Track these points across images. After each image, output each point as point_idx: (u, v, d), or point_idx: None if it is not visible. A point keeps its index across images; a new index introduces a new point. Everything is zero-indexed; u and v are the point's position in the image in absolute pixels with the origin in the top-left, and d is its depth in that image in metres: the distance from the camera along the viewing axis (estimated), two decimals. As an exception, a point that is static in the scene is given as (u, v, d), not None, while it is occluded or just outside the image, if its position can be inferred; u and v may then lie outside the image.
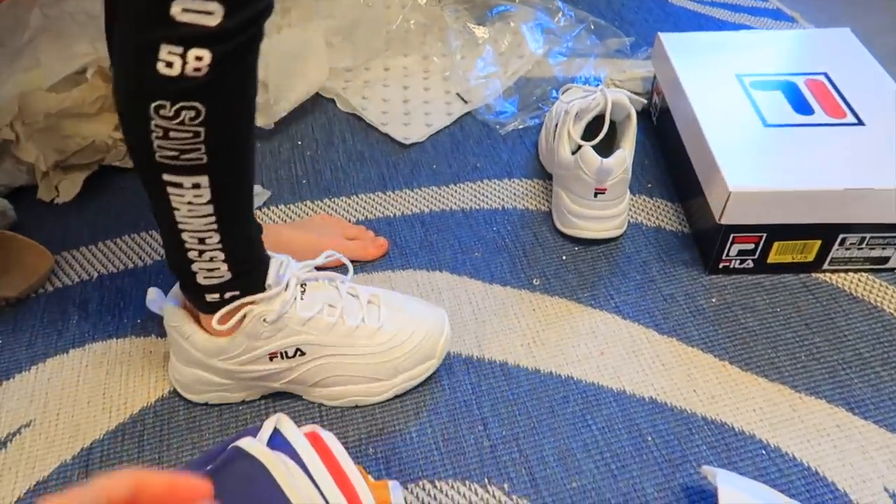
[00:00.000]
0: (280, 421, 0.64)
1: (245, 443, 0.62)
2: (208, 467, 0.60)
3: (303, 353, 0.70)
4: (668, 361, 0.79)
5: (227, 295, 0.65)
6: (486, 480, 0.68)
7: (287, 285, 0.68)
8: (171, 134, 0.53)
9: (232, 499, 0.59)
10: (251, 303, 0.66)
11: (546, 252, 0.91)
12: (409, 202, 0.98)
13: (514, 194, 0.99)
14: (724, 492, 0.58)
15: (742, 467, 0.69)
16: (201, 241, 0.61)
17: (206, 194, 0.58)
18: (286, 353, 0.69)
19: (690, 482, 0.68)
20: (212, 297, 0.65)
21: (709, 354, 0.79)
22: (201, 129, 0.53)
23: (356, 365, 0.71)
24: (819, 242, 0.85)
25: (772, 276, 0.88)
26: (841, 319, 0.82)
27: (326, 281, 0.72)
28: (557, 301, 0.85)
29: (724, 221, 0.82)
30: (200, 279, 0.64)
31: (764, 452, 0.70)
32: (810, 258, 0.86)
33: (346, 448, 0.71)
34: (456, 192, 1.00)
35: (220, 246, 0.62)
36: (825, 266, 0.87)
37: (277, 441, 0.63)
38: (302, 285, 0.69)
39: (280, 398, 0.75)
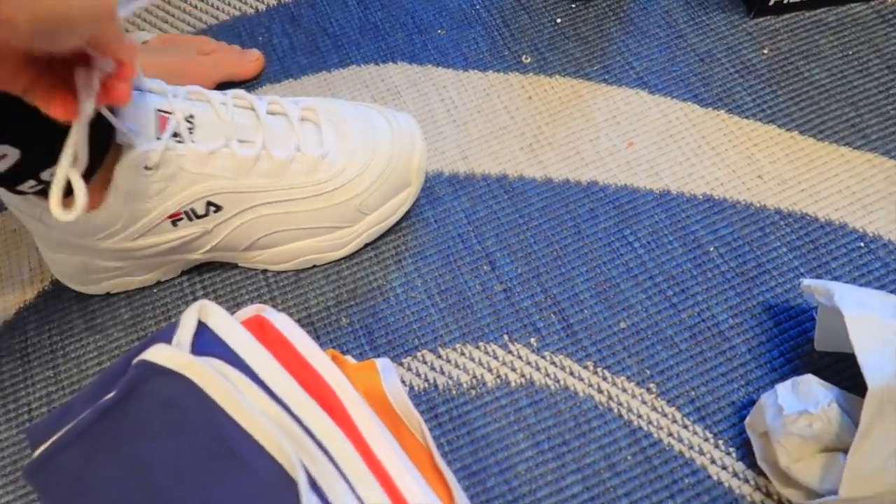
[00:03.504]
0: (204, 310, 0.44)
1: (156, 353, 0.41)
2: (108, 397, 0.41)
3: (218, 208, 0.48)
4: (719, 142, 0.59)
5: (48, 174, 0.41)
6: (505, 338, 0.51)
7: (158, 115, 0.44)
8: None
9: (151, 438, 0.40)
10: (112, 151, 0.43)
11: (533, 17, 0.67)
12: (336, -28, 0.71)
13: (479, -58, 0.72)
14: (853, 319, 0.41)
15: (836, 268, 0.52)
16: None
17: None
18: (193, 211, 0.47)
19: (773, 298, 0.51)
20: (28, 186, 0.42)
21: (770, 125, 0.59)
22: None
23: (299, 214, 0.50)
24: (904, -49, 0.62)
25: (835, 8, 0.66)
26: (933, 54, 0.62)
27: (226, 103, 0.48)
28: (559, 81, 0.63)
29: (784, -66, 0.58)
30: None
31: (862, 245, 0.53)
32: (888, -24, 0.64)
33: (310, 328, 0.52)
34: (398, -51, 0.72)
35: None
36: (904, -15, 0.65)
37: (205, 340, 0.43)
38: (188, 119, 0.45)
39: (210, 269, 0.54)
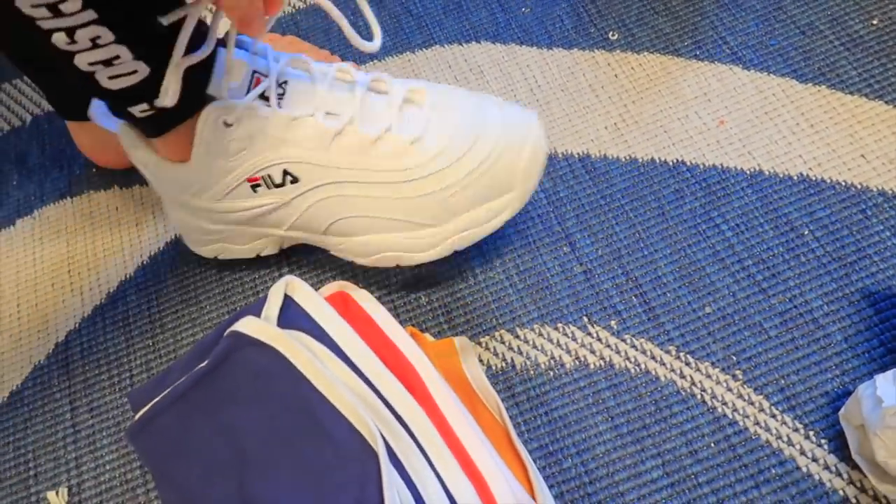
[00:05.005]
0: (290, 286, 0.46)
1: (246, 325, 0.43)
2: (202, 365, 0.43)
3: (296, 180, 0.47)
4: (819, 120, 0.55)
5: (153, 104, 0.43)
6: (584, 320, 0.50)
7: (253, 78, 0.45)
8: None
9: (241, 405, 0.42)
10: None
11: (621, -9, 0.65)
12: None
13: (565, -84, 0.70)
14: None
15: (946, 255, 0.49)
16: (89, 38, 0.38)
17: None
18: (271, 178, 0.47)
19: (874, 284, 0.48)
20: (139, 109, 0.43)
21: (876, 101, 0.56)
22: None
23: (380, 200, 0.47)
24: None
25: (955, -27, 0.61)
26: None
27: (326, 74, 0.47)
28: (647, 58, 0.61)
29: None
30: (105, 83, 0.41)
31: (977, 230, 0.50)
32: None
33: (390, 305, 0.53)
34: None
35: (113, 36, 0.38)
36: None
37: (291, 314, 0.45)
38: (280, 84, 0.46)
39: (296, 251, 0.56)
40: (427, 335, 0.49)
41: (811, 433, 0.44)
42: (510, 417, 0.48)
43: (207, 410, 0.42)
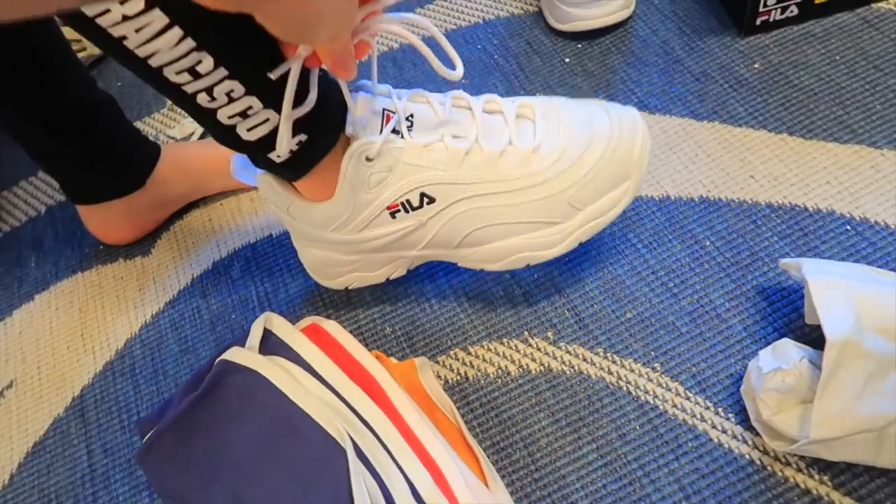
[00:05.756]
0: (269, 321, 0.54)
1: (233, 354, 0.52)
2: (196, 392, 0.51)
3: (432, 200, 0.51)
4: (714, 150, 0.65)
5: (295, 143, 0.47)
6: (526, 334, 0.58)
7: (384, 115, 0.50)
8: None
9: (231, 421, 0.50)
10: (342, 144, 0.49)
11: (545, 59, 0.76)
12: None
13: (493, 0, 0.82)
14: (815, 284, 0.46)
15: (825, 251, 0.57)
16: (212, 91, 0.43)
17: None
18: (409, 202, 0.51)
19: (766, 281, 0.57)
20: (276, 155, 0.47)
21: (762, 130, 0.65)
22: None
23: (510, 207, 0.51)
24: (877, -39, 0.68)
25: (822, 20, 0.71)
26: (917, 50, 0.67)
27: (444, 103, 0.51)
28: (569, 112, 0.71)
29: (755, -39, 0.65)
30: (245, 135, 0.46)
31: (849, 228, 0.58)
32: (868, -15, 0.70)
33: (360, 337, 0.61)
34: (426, 14, 0.83)
35: (244, 89, 0.44)
36: (887, -9, 0.70)
37: (271, 344, 0.53)
38: (408, 118, 0.50)
39: (273, 292, 0.65)
40: (392, 359, 0.57)
41: (720, 409, 0.52)
42: (465, 422, 0.55)
43: (203, 429, 0.50)
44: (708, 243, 0.60)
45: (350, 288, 0.59)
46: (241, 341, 0.53)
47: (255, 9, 0.32)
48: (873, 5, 0.71)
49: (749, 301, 0.56)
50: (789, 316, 0.55)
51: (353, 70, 0.41)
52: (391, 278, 0.58)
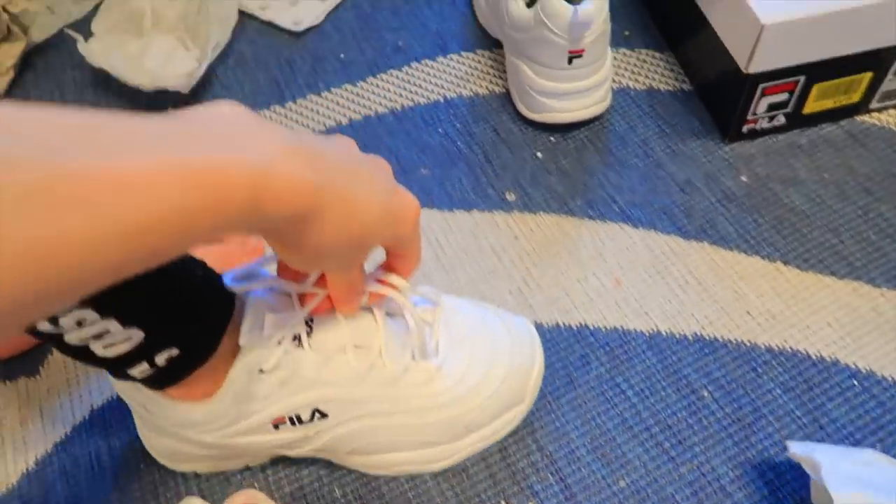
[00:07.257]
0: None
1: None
2: None
3: (324, 416, 0.46)
4: (705, 277, 0.59)
5: (163, 358, 0.40)
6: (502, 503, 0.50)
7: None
8: None
9: None
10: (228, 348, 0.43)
11: (515, 151, 0.68)
12: (316, 113, 0.72)
13: (456, 76, 0.74)
14: (839, 498, 0.40)
15: (832, 409, 0.52)
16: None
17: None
18: (298, 417, 0.45)
19: (772, 445, 0.51)
20: (139, 370, 0.40)
21: (755, 257, 0.60)
22: None
23: (405, 427, 0.47)
24: (869, 76, 0.64)
25: (807, 129, 0.67)
26: (907, 174, 0.63)
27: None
28: (543, 219, 0.63)
29: (753, 69, 0.60)
30: (101, 352, 0.38)
31: (855, 382, 0.53)
32: (856, 98, 0.66)
33: (302, 500, 0.50)
34: (378, 86, 0.74)
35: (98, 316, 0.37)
36: (872, 105, 0.67)
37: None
38: (307, 322, 0.44)
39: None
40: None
41: None
42: None
43: None
44: (706, 394, 0.53)
45: (198, 473, 0.52)
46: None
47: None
48: (857, 118, 0.68)
49: (755, 470, 0.50)
50: (800, 492, 0.49)
51: (356, 308, 0.42)
52: (249, 467, 0.52)
